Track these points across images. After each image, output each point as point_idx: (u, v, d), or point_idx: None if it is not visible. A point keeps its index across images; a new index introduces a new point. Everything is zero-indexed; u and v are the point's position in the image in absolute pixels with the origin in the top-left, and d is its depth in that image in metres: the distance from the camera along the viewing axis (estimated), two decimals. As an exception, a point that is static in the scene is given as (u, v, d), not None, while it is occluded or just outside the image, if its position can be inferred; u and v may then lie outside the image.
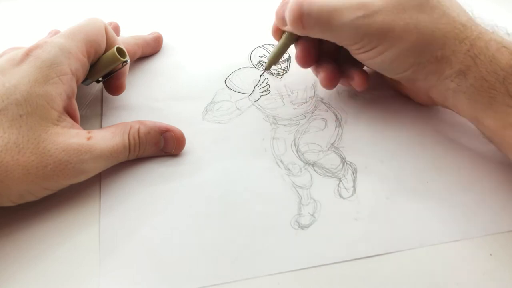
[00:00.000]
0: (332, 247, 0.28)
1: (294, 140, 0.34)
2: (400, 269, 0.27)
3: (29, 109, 0.28)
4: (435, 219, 0.29)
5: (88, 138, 0.29)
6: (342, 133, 0.35)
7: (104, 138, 0.30)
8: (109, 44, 0.34)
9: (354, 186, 0.31)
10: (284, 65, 0.40)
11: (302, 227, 0.29)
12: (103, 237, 0.29)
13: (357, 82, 0.34)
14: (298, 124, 0.35)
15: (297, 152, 0.34)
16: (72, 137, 0.29)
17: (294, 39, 0.34)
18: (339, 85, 0.37)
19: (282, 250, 0.28)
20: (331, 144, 0.34)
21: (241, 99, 0.37)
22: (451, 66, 0.29)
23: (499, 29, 0.31)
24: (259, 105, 0.37)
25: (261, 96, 0.38)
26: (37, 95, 0.28)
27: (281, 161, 0.33)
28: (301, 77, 0.39)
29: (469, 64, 0.29)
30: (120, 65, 0.34)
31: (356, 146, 0.34)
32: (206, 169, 0.33)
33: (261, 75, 0.38)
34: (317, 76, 0.36)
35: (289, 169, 0.32)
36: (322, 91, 0.38)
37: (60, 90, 0.29)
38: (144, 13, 0.46)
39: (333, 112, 0.36)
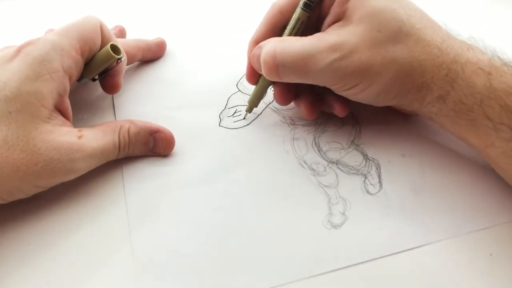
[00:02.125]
0: (368, 244, 0.28)
1: (314, 139, 0.34)
2: (437, 260, 0.28)
3: (18, 106, 0.27)
4: (460, 210, 0.30)
5: (79, 137, 0.29)
6: (360, 130, 0.35)
7: (95, 136, 0.30)
8: (104, 42, 0.33)
9: (380, 182, 0.32)
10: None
11: (335, 226, 0.29)
12: (130, 213, 0.30)
13: (337, 110, 0.34)
14: (316, 124, 0.36)
15: (319, 151, 0.34)
16: (63, 135, 0.29)
17: (271, 81, 0.34)
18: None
19: (318, 251, 0.28)
20: (351, 141, 0.34)
21: (255, 102, 0.37)
22: (431, 92, 0.29)
23: (476, 41, 0.30)
24: (274, 107, 0.37)
25: (274, 98, 0.37)
26: (27, 92, 0.28)
27: (305, 162, 0.33)
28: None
29: (447, 89, 0.29)
30: (115, 63, 0.34)
31: (376, 142, 0.34)
32: (230, 176, 0.32)
33: (244, 118, 0.36)
34: (298, 107, 0.35)
35: (313, 169, 0.32)
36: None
37: (51, 87, 0.29)
38: (149, 19, 0.46)
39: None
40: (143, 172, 0.32)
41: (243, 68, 0.39)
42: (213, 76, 0.40)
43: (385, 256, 0.28)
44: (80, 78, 0.33)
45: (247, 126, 0.36)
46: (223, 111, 0.37)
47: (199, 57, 0.42)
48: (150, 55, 0.41)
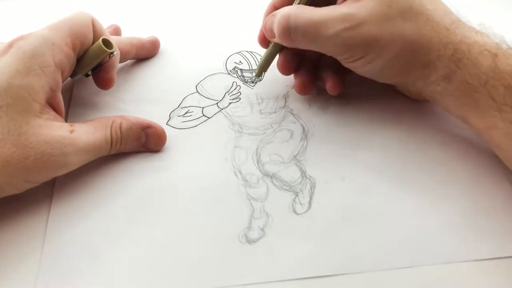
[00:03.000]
0: (277, 264, 0.27)
1: (257, 149, 0.33)
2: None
3: (9, 100, 0.27)
4: (389, 242, 0.28)
5: (71, 131, 0.29)
6: (306, 146, 0.34)
7: (87, 131, 0.30)
8: (96, 37, 0.33)
9: (310, 202, 0.30)
10: (258, 73, 0.39)
11: (249, 241, 0.28)
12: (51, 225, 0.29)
13: (329, 87, 0.35)
14: (264, 134, 0.35)
15: (257, 162, 0.33)
16: (55, 130, 0.28)
17: (279, 48, 0.35)
18: (311, 97, 0.37)
19: (227, 264, 0.27)
20: (294, 156, 0.33)
21: (209, 105, 0.37)
22: (436, 71, 0.30)
23: (486, 29, 0.30)
24: (227, 113, 0.36)
25: (230, 103, 0.37)
26: (18, 86, 0.28)
27: (240, 172, 0.32)
28: (274, 87, 0.38)
29: (453, 68, 0.29)
30: (108, 57, 0.34)
31: (319, 160, 0.32)
32: (163, 175, 0.32)
33: (253, 82, 0.38)
34: (295, 80, 0.36)
35: (246, 180, 0.31)
36: (293, 102, 0.37)
37: (43, 82, 0.29)
38: (144, 18, 0.46)
39: (301, 124, 0.35)
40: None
41: (207, 69, 0.39)
42: (174, 75, 0.39)
43: (290, 280, 0.26)
44: (73, 74, 0.34)
45: (194, 128, 0.35)
46: (175, 110, 0.36)
47: (165, 55, 0.41)
48: (144, 53, 0.41)
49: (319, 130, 0.35)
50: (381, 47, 0.30)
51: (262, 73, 0.36)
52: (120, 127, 0.32)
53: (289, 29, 0.31)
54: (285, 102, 0.37)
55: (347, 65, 0.33)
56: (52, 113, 0.30)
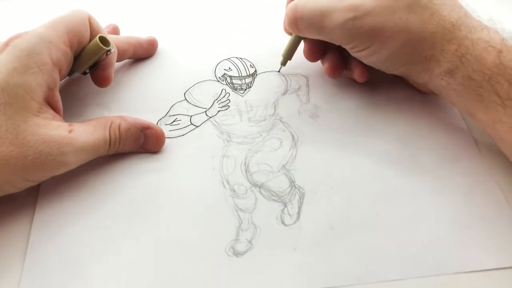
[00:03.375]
0: (265, 277, 0.27)
1: (245, 159, 0.33)
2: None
3: (7, 99, 0.27)
4: (379, 254, 0.27)
5: (70, 131, 0.29)
6: (296, 154, 0.33)
7: (85, 131, 0.30)
8: (93, 35, 0.33)
9: (298, 213, 0.30)
10: (248, 80, 0.39)
11: (236, 254, 0.28)
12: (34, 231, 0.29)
13: (357, 74, 0.35)
14: (253, 143, 0.34)
15: (245, 172, 0.32)
16: (53, 129, 0.28)
17: (301, 37, 0.36)
18: (301, 104, 0.36)
19: (214, 277, 0.27)
20: (283, 165, 0.32)
21: (197, 113, 0.36)
22: (440, 65, 0.30)
23: (495, 24, 0.30)
24: (215, 121, 0.36)
25: (219, 111, 0.36)
26: (15, 85, 0.27)
27: (228, 181, 0.31)
28: (263, 94, 0.37)
29: (456, 63, 0.29)
30: (105, 55, 0.33)
31: (308, 169, 0.32)
32: (150, 185, 0.31)
33: (278, 71, 0.39)
34: (323, 65, 0.37)
35: (234, 190, 0.31)
36: (282, 110, 0.36)
37: (40, 80, 0.29)
38: (143, 19, 0.45)
39: (291, 132, 0.35)
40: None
41: (195, 76, 0.39)
42: (162, 82, 0.39)
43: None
44: (70, 72, 0.33)
45: (182, 136, 0.34)
46: (163, 118, 0.36)
47: (153, 62, 0.41)
48: (142, 52, 0.40)
49: (309, 138, 0.34)
50: (386, 38, 0.30)
51: (286, 62, 0.38)
52: (119, 128, 0.31)
53: (295, 20, 0.33)
54: (275, 110, 0.36)
55: (354, 55, 0.33)
56: (51, 111, 0.29)
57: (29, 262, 0.27)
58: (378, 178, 0.31)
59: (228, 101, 0.37)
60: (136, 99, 0.37)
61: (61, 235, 0.29)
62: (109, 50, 0.33)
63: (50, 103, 0.30)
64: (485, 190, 0.30)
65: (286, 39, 0.41)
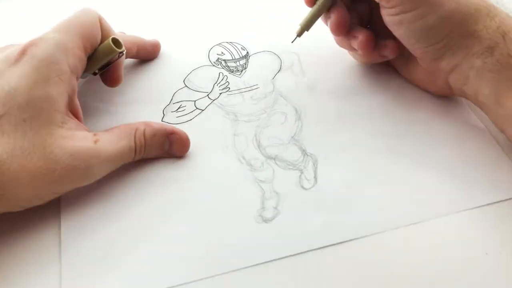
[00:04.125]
0: (295, 238, 0.29)
1: (256, 135, 0.35)
2: (365, 255, 0.28)
3: (32, 113, 0.27)
4: (391, 203, 0.30)
5: (95, 141, 0.29)
6: (302, 126, 0.35)
7: (110, 141, 0.30)
8: (104, 36, 0.33)
9: (315, 177, 0.32)
10: (242, 61, 0.40)
11: (266, 220, 0.30)
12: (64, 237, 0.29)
13: (391, 48, 0.34)
14: (259, 119, 0.36)
15: (258, 147, 0.34)
16: (79, 141, 0.28)
17: (328, 5, 0.34)
18: (297, 79, 0.38)
19: (247, 244, 0.28)
20: (292, 137, 0.34)
21: (200, 98, 0.37)
22: (480, 42, 0.30)
23: None
24: (219, 103, 0.37)
25: (220, 93, 0.38)
26: (38, 98, 0.27)
27: (243, 157, 0.33)
28: (259, 73, 0.39)
29: (498, 41, 0.30)
30: (116, 56, 0.33)
31: (316, 138, 0.34)
32: (169, 169, 0.32)
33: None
34: (351, 45, 0.35)
35: (251, 165, 0.33)
36: (280, 85, 0.38)
37: (61, 90, 0.28)
38: (146, 23, 0.45)
39: (293, 106, 0.36)
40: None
41: (191, 63, 0.40)
42: (160, 72, 0.39)
43: (312, 250, 0.28)
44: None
45: (190, 121, 0.36)
46: (167, 107, 0.37)
47: (161, 51, 0.41)
48: (144, 54, 0.40)
49: (311, 109, 0.36)
50: (435, 3, 0.30)
51: (303, 32, 0.35)
52: (144, 134, 0.31)
53: None
54: (274, 86, 0.38)
55: (392, 19, 0.31)
56: (74, 121, 0.29)
57: (65, 261, 0.28)
58: (380, 135, 0.34)
59: (227, 83, 0.38)
60: (137, 92, 0.38)
61: (91, 233, 0.29)
62: (121, 52, 0.33)
63: (71, 111, 0.30)
64: (477, 134, 0.34)
65: (271, 21, 0.42)
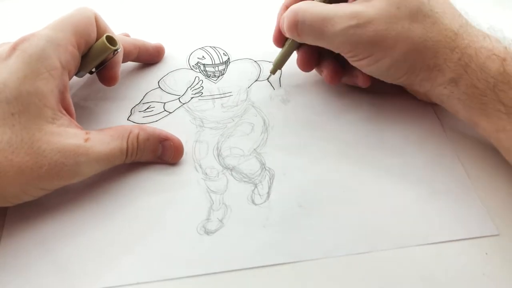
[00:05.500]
0: (235, 254, 0.28)
1: (217, 143, 0.34)
2: (302, 278, 0.27)
3: (20, 108, 0.27)
4: (345, 229, 0.29)
5: (86, 140, 0.28)
6: (267, 138, 0.34)
7: (102, 141, 0.29)
8: (100, 34, 0.33)
9: (268, 193, 0.31)
10: (221, 67, 0.40)
11: (207, 232, 0.29)
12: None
13: (361, 79, 0.35)
14: (225, 128, 0.35)
15: (218, 156, 0.33)
16: (69, 138, 0.28)
17: (296, 45, 0.35)
18: (272, 90, 0.37)
19: (187, 255, 0.28)
20: (254, 149, 0.33)
21: (171, 100, 0.37)
22: (443, 74, 0.30)
23: (495, 32, 0.30)
24: (188, 107, 0.36)
25: (192, 98, 0.37)
26: (27, 92, 0.27)
27: (200, 166, 0.32)
28: (236, 81, 0.38)
29: (460, 72, 0.29)
30: (112, 54, 0.33)
31: (278, 152, 0.33)
32: (121, 172, 0.32)
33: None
34: (320, 75, 0.37)
35: (206, 174, 0.32)
36: (254, 95, 0.37)
37: (52, 85, 0.28)
38: (150, 26, 0.45)
39: (262, 117, 0.35)
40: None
41: (167, 67, 0.40)
42: (137, 71, 0.39)
43: (248, 268, 0.27)
44: (77, 72, 0.33)
45: (156, 122, 0.35)
46: (136, 106, 0.36)
47: None
48: (146, 57, 0.39)
49: (280, 122, 0.35)
50: (387, 47, 0.30)
51: (276, 71, 0.37)
52: (137, 138, 0.31)
53: (296, 23, 0.32)
54: (247, 95, 0.37)
55: (354, 64, 0.33)
56: (66, 117, 0.29)
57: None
58: (345, 158, 0.32)
59: (201, 88, 0.38)
60: (111, 89, 0.37)
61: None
62: (116, 50, 0.33)
63: (62, 107, 0.29)
64: (448, 165, 0.32)
65: (259, 26, 0.42)
